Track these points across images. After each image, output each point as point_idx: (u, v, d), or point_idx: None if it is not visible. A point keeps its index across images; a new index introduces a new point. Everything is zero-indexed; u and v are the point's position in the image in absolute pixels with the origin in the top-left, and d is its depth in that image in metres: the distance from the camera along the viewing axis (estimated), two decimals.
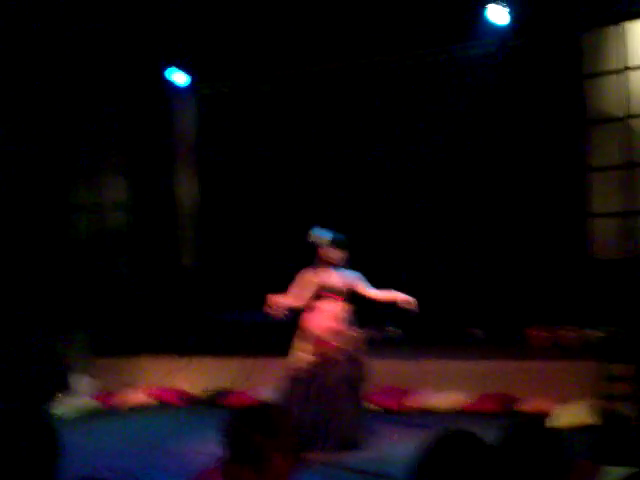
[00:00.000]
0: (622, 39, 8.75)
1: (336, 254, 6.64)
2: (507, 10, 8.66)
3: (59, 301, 9.85)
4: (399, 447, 6.68)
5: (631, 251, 8.72)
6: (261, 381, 8.27)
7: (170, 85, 10.11)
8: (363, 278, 6.81)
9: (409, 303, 6.57)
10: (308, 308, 6.70)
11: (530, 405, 7.52)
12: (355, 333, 6.66)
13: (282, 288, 6.82)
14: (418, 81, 9.68)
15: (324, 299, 6.63)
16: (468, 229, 9.52)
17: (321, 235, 6.66)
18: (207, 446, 6.33)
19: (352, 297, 6.77)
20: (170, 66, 9.99)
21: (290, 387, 6.48)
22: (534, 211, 9.26)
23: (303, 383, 6.48)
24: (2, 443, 1.97)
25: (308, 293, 6.65)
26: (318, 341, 6.60)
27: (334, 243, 6.64)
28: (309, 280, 6.68)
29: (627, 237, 8.78)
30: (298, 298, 6.65)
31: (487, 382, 7.93)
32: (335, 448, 6.52)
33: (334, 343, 6.56)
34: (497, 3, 8.64)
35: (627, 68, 8.77)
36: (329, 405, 6.46)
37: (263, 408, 2.56)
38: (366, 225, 9.50)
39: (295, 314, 7.24)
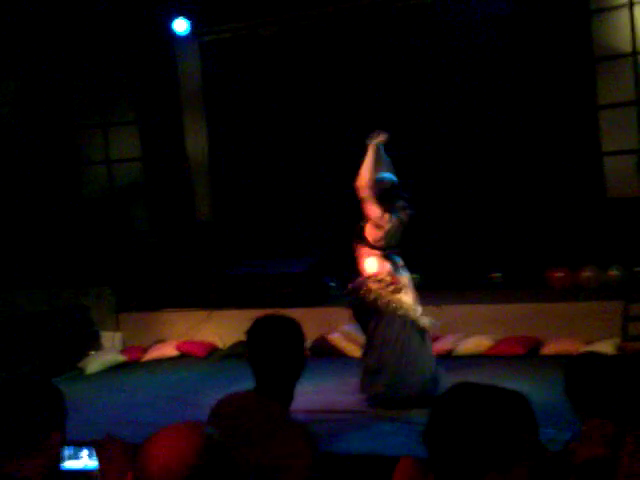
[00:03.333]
0: None
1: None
2: None
3: (81, 259, 9.91)
4: None
5: None
6: None
7: (172, 33, 9.97)
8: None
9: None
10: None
11: (555, 347, 7.47)
12: (389, 280, 6.37)
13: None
14: (419, 23, 9.55)
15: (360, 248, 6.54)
16: (484, 171, 9.46)
17: None
18: None
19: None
20: (170, 14, 9.83)
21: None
22: (549, 153, 9.21)
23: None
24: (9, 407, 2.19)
25: None
26: (355, 289, 6.52)
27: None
28: None
29: None
30: None
31: (509, 325, 7.93)
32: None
33: (366, 290, 6.38)
34: None
35: (633, 3, 8.65)
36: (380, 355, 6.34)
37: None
38: None
39: None
